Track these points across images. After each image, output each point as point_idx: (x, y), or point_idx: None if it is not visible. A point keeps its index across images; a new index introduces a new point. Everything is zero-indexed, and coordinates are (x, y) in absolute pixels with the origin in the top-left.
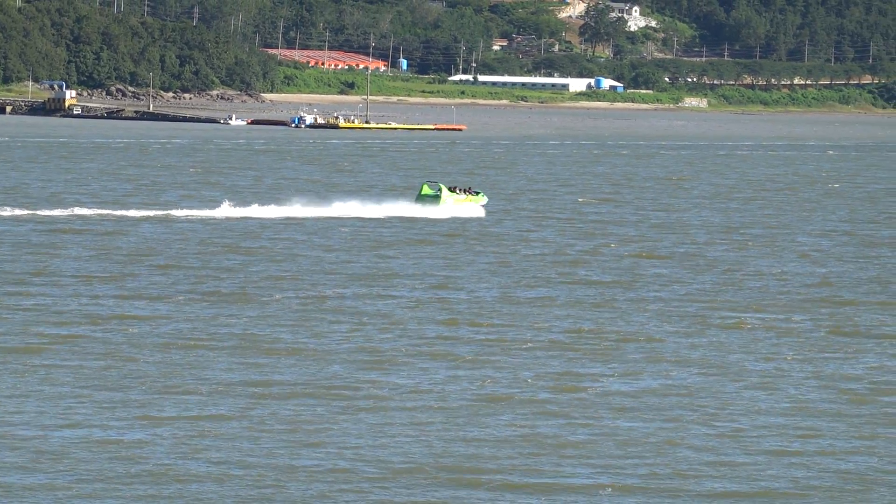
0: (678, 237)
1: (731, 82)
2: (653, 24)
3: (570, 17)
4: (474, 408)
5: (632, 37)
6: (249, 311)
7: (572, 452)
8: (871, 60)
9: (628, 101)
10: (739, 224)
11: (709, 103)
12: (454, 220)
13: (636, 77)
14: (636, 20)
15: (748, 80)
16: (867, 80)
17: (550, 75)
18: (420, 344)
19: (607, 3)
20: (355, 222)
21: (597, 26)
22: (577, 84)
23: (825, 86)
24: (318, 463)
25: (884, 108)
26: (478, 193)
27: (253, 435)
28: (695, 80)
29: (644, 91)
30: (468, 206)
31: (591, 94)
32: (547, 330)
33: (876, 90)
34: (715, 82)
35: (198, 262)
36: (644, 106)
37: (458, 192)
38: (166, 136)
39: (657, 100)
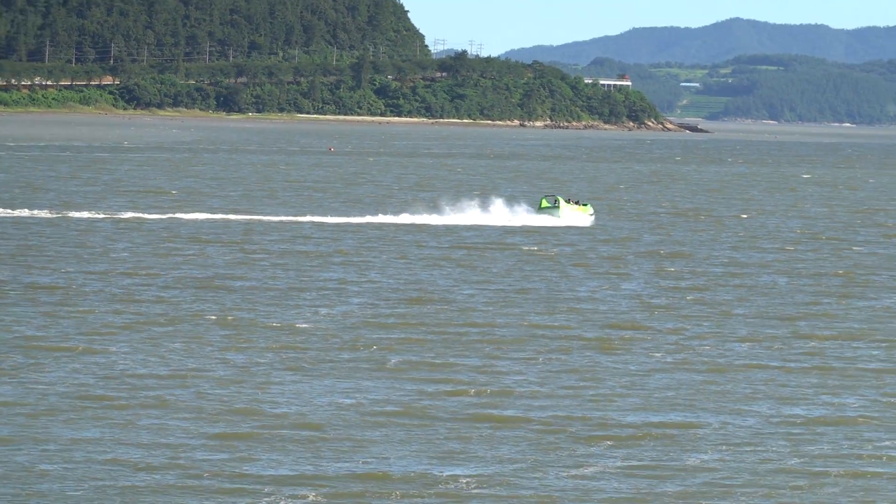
0: None
1: None
2: None
3: None
4: None
5: None
6: None
7: None
8: (112, 61)
9: None
10: None
11: None
12: None
13: None
14: None
15: None
16: (108, 80)
17: None
18: None
19: None
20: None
21: None
22: None
23: (66, 86)
24: None
25: (125, 108)
26: (585, 205)
27: None
28: None
29: None
30: (580, 216)
31: None
32: None
33: (117, 91)
34: None
35: None
36: None
37: (570, 203)
38: None
39: None
